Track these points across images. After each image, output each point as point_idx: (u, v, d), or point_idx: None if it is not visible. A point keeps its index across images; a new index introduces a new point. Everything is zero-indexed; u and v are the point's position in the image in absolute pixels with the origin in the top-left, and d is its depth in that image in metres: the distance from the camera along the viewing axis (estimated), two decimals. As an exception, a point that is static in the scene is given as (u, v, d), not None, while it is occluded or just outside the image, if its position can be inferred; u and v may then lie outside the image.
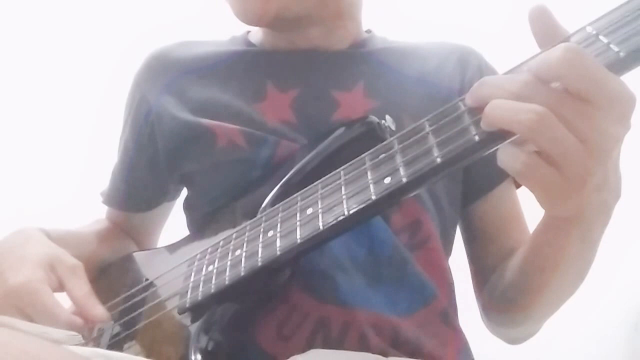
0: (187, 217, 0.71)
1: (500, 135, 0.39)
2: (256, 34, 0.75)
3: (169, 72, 0.72)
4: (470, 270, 0.72)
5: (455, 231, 0.70)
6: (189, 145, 0.66)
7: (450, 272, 0.66)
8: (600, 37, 0.38)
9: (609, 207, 0.47)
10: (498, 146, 0.40)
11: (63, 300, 0.57)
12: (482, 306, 0.69)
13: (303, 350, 0.52)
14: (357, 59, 0.70)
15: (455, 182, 0.67)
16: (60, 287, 0.58)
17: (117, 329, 0.60)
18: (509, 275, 0.62)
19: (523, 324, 0.64)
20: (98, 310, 0.56)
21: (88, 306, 0.56)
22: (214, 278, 0.52)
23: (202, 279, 0.53)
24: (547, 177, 0.38)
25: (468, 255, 0.72)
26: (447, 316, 0.60)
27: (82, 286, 0.57)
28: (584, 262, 0.54)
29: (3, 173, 1.37)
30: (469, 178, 0.68)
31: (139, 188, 0.77)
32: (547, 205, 0.41)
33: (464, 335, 0.61)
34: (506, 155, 0.38)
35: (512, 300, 0.62)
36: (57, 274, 0.58)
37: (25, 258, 0.58)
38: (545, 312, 0.61)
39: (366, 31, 0.77)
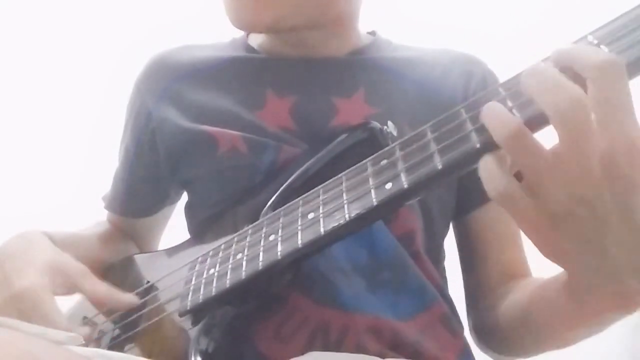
0: (188, 222, 0.71)
1: None
2: (256, 38, 0.75)
3: (168, 78, 0.72)
4: (463, 283, 0.71)
5: (443, 241, 0.69)
6: (190, 151, 0.66)
7: (444, 280, 0.66)
8: (602, 46, 0.38)
9: (623, 289, 0.39)
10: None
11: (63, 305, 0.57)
12: (472, 325, 0.68)
13: (302, 353, 0.52)
14: (358, 66, 0.69)
15: (450, 192, 0.67)
16: (70, 291, 0.59)
17: (117, 331, 0.61)
18: (503, 318, 0.60)
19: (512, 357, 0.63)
20: (127, 297, 0.59)
21: (116, 298, 0.58)
22: (215, 281, 0.52)
23: (203, 282, 0.53)
24: (524, 208, 0.37)
25: (462, 268, 0.71)
26: (448, 320, 0.60)
27: (99, 284, 0.59)
28: (577, 332, 0.49)
29: (5, 175, 1.38)
30: (466, 188, 0.67)
31: (139, 193, 0.77)
32: (531, 238, 0.40)
33: (466, 340, 0.61)
34: (486, 173, 0.38)
35: (503, 342, 0.61)
36: (70, 279, 0.58)
37: (30, 263, 0.58)
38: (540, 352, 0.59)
39: (370, 33, 0.77)
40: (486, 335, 0.63)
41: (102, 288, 0.59)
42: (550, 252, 0.40)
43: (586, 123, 0.35)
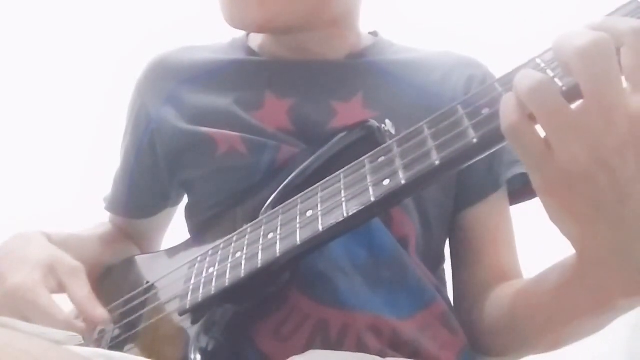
0: (188, 223, 0.71)
1: (499, 137, 0.39)
2: (256, 39, 0.75)
3: (168, 81, 0.72)
4: (453, 282, 0.69)
5: (443, 245, 0.69)
6: (189, 153, 0.66)
7: (443, 283, 0.66)
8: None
9: (635, 269, 0.38)
10: (495, 149, 0.41)
11: (63, 303, 0.57)
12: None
13: (302, 352, 0.52)
14: (357, 70, 0.69)
15: (448, 196, 0.67)
16: (60, 288, 0.58)
17: (118, 331, 0.61)
18: (488, 318, 0.59)
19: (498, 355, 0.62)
20: (98, 311, 0.57)
21: (88, 307, 0.56)
22: (214, 280, 0.52)
23: (202, 281, 0.54)
24: (535, 151, 0.36)
25: (452, 266, 0.70)
26: (448, 319, 0.60)
27: (82, 287, 0.58)
28: (575, 327, 0.47)
29: (6, 177, 1.38)
30: (461, 186, 0.67)
31: (140, 195, 0.78)
32: (541, 196, 0.39)
33: (466, 339, 0.61)
34: (503, 107, 0.37)
35: (487, 342, 0.61)
36: (57, 275, 0.58)
37: (24, 260, 0.58)
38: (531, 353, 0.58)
39: (371, 33, 0.77)
40: (472, 336, 0.62)
41: (81, 292, 0.57)
42: (559, 215, 0.38)
43: (610, 66, 0.34)
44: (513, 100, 0.37)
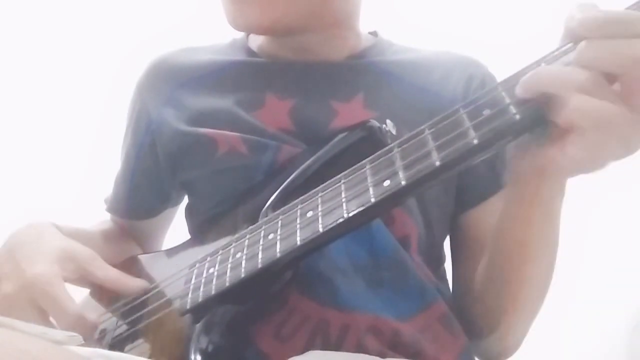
0: (188, 223, 0.71)
1: (499, 137, 0.39)
2: (256, 40, 0.75)
3: (169, 82, 0.72)
4: (452, 278, 0.70)
5: (443, 244, 0.70)
6: (189, 153, 0.66)
7: (444, 282, 0.67)
8: None
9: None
10: (495, 150, 0.41)
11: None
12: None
13: (302, 352, 0.53)
14: (357, 70, 0.70)
15: (448, 196, 0.67)
16: (82, 277, 0.60)
17: (118, 331, 0.61)
18: (479, 277, 0.62)
19: (495, 330, 0.63)
20: (136, 282, 0.61)
21: (126, 281, 0.60)
22: (214, 280, 0.52)
23: (202, 281, 0.54)
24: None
25: (452, 270, 0.70)
26: (448, 320, 0.60)
27: (108, 269, 0.61)
28: (548, 240, 0.54)
29: (7, 177, 1.38)
30: (462, 187, 0.67)
31: (141, 196, 0.78)
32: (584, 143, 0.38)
33: (465, 340, 0.61)
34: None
35: (481, 302, 0.62)
36: (80, 265, 0.60)
37: (40, 250, 0.59)
38: (519, 314, 0.60)
39: (371, 33, 0.77)
40: (472, 335, 0.63)
41: (113, 272, 0.60)
42: (593, 164, 0.39)
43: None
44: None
